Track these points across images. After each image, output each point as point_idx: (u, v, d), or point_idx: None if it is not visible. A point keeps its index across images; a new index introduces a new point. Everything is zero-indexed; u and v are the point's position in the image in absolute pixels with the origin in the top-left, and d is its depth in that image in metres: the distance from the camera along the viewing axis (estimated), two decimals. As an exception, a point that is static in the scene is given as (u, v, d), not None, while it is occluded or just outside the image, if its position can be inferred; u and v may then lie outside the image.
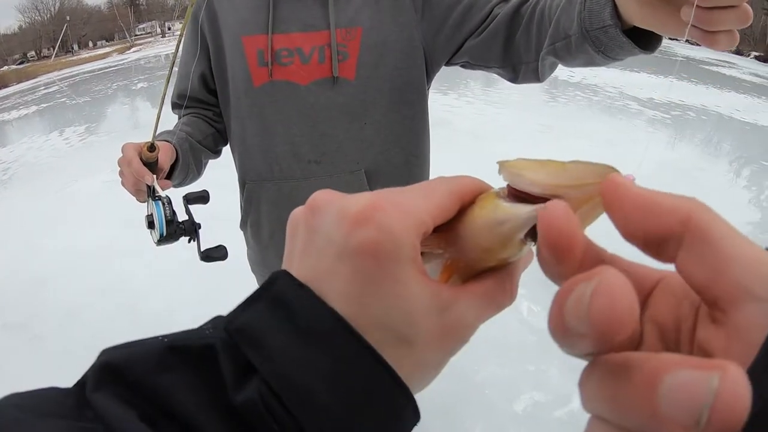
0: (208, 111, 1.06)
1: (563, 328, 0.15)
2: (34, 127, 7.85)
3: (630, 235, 0.17)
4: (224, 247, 0.87)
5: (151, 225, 0.85)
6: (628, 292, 0.14)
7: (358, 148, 0.95)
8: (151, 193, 0.86)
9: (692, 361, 0.13)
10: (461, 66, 0.96)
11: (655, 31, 0.58)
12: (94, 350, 0.21)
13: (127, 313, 2.44)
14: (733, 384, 0.12)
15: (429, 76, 0.98)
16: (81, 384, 0.20)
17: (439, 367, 0.23)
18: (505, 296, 0.23)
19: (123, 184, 0.87)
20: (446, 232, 0.23)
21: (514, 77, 0.89)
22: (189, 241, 0.88)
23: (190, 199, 0.92)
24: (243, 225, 1.09)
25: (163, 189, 0.86)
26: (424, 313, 0.21)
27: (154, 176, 0.85)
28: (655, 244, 0.16)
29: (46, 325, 2.46)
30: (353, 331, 0.20)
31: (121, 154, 0.85)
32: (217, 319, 0.22)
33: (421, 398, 0.21)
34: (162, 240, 0.85)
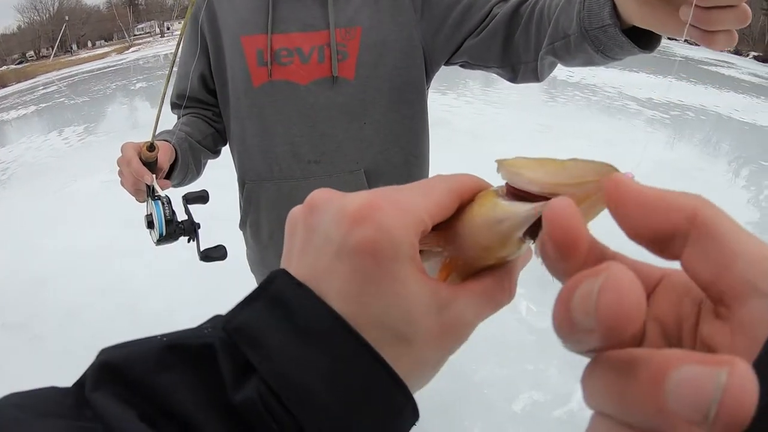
0: (207, 111, 1.06)
1: (569, 324, 0.15)
2: (32, 127, 7.84)
3: (635, 233, 0.17)
4: (224, 247, 0.87)
5: (150, 225, 0.85)
6: (636, 288, 0.14)
7: (357, 148, 0.95)
8: (151, 193, 0.86)
9: (698, 356, 0.13)
10: (460, 66, 0.96)
11: (654, 31, 0.58)
12: (94, 350, 0.21)
13: (126, 313, 2.44)
14: (740, 379, 0.12)
15: (428, 75, 0.98)
16: (80, 383, 0.20)
17: (437, 366, 0.23)
18: (503, 294, 0.23)
19: (122, 183, 0.87)
20: (445, 230, 0.23)
21: (513, 77, 0.89)
22: (188, 241, 0.88)
23: (189, 199, 0.92)
24: (242, 225, 1.09)
25: (162, 189, 0.86)
26: (423, 311, 0.21)
27: (154, 176, 0.85)
28: (661, 242, 0.16)
29: (45, 325, 2.46)
30: (352, 330, 0.20)
31: (121, 154, 0.85)
32: (215, 319, 0.22)
33: (420, 397, 0.21)
34: (161, 240, 0.85)
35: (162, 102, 0.87)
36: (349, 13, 0.89)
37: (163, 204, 0.84)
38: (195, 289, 2.43)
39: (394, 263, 0.20)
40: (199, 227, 0.87)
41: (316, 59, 0.90)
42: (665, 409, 0.13)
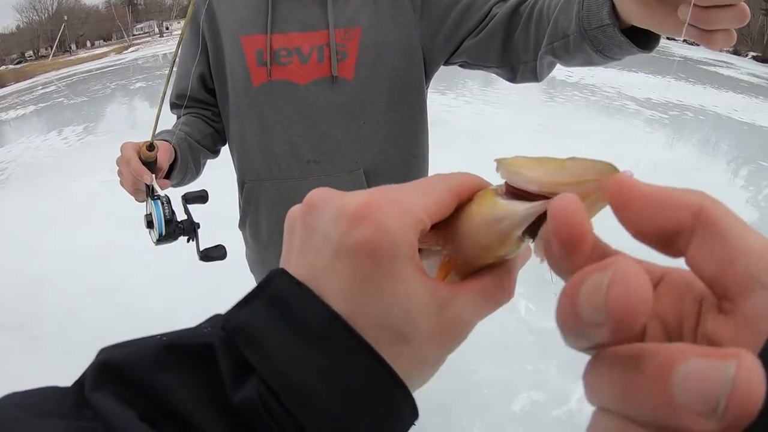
0: (206, 111, 1.06)
1: (576, 319, 0.15)
2: (31, 127, 7.84)
3: (641, 232, 0.17)
4: (223, 247, 0.87)
5: (150, 224, 0.85)
6: (645, 281, 0.14)
7: (356, 148, 0.95)
8: (150, 193, 0.86)
9: (705, 350, 0.13)
10: (460, 66, 0.96)
11: (653, 30, 0.58)
12: (93, 350, 0.21)
13: (126, 313, 2.43)
14: (749, 371, 0.12)
15: (427, 75, 0.98)
16: (80, 383, 0.20)
17: (437, 365, 0.23)
18: (503, 293, 0.23)
19: (122, 183, 0.87)
20: (444, 229, 0.23)
21: (513, 77, 0.89)
22: (188, 241, 0.88)
23: (189, 199, 0.92)
24: (242, 225, 1.09)
25: (161, 188, 0.86)
26: (423, 310, 0.21)
27: (153, 176, 0.85)
28: (666, 239, 0.16)
29: (44, 325, 2.46)
30: (351, 330, 0.20)
31: (120, 154, 0.85)
32: (215, 318, 0.22)
33: (419, 397, 0.21)
34: (161, 239, 0.85)
35: (162, 102, 0.87)
36: (348, 13, 0.89)
37: (162, 204, 0.84)
38: (194, 289, 2.43)
39: (394, 263, 0.20)
40: (198, 227, 0.87)
41: (316, 59, 0.90)
42: (672, 402, 0.13)
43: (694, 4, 0.46)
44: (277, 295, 0.21)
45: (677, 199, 0.16)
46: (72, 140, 6.27)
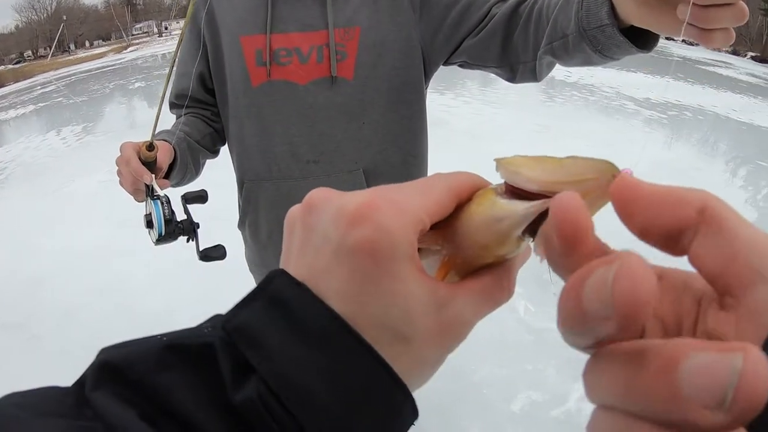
0: (206, 111, 1.06)
1: (581, 314, 0.15)
2: (31, 127, 7.83)
3: (645, 231, 0.17)
4: (223, 247, 0.87)
5: (149, 224, 0.85)
6: (650, 275, 0.14)
7: (356, 148, 0.95)
8: (150, 193, 0.86)
9: (709, 344, 0.13)
10: (459, 66, 0.96)
11: (652, 30, 0.58)
12: (93, 350, 0.21)
13: (125, 313, 2.43)
14: (755, 363, 0.12)
15: (427, 75, 0.98)
16: (80, 383, 0.20)
17: (436, 365, 0.23)
18: (502, 293, 0.23)
19: (121, 183, 0.87)
20: (443, 228, 0.23)
21: (512, 77, 0.89)
22: (187, 241, 0.88)
23: (188, 199, 0.92)
24: (241, 225, 1.09)
25: (161, 188, 0.86)
26: (422, 310, 0.21)
27: (153, 175, 0.85)
28: (670, 238, 0.17)
29: (43, 325, 2.45)
30: (351, 330, 0.20)
31: (119, 154, 0.85)
32: (215, 318, 0.22)
33: (419, 397, 0.21)
34: (160, 239, 0.85)
35: (162, 102, 0.87)
36: (347, 13, 0.90)
37: (162, 204, 0.84)
38: (194, 289, 2.42)
39: (393, 263, 0.20)
40: (198, 227, 0.87)
41: (315, 59, 0.90)
42: (679, 396, 0.13)
43: (693, 3, 0.46)
44: (277, 296, 0.21)
45: (681, 197, 0.16)
46: (71, 140, 6.26)
